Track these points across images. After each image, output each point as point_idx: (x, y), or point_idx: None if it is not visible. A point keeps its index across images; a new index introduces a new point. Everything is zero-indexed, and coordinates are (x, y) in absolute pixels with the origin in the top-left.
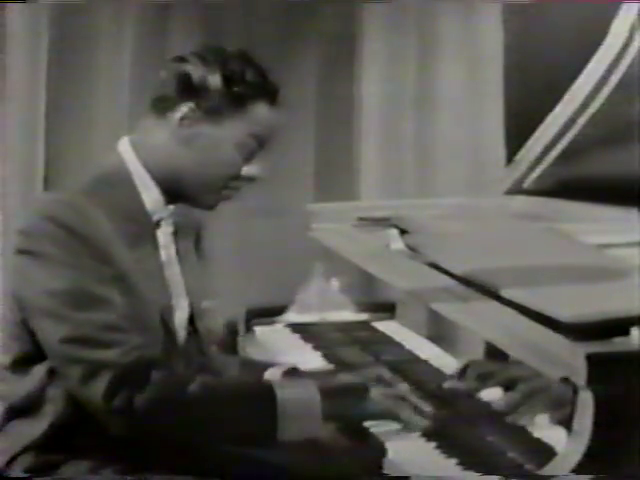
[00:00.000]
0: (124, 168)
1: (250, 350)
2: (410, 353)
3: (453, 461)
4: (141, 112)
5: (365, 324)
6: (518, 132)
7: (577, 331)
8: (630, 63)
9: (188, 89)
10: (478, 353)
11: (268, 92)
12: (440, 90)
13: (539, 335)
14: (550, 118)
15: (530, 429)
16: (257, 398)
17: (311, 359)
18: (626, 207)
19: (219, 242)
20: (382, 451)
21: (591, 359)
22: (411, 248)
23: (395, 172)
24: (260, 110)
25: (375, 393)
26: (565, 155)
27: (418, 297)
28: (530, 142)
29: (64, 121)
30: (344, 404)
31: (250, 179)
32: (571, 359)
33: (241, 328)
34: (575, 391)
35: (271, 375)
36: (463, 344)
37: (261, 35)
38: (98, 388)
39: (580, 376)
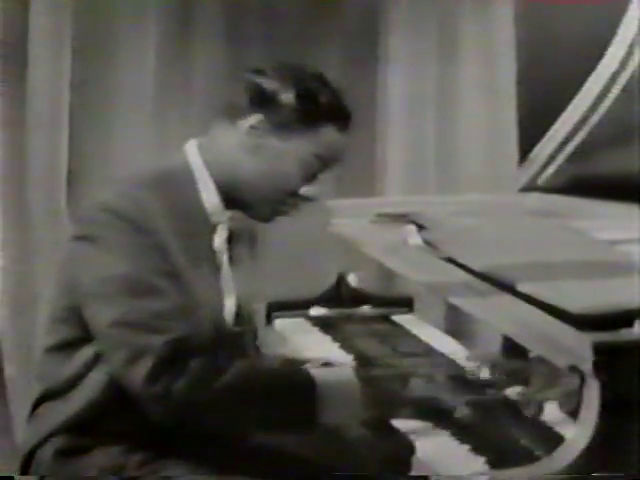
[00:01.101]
0: (188, 168)
1: (270, 341)
2: (426, 345)
3: (466, 447)
4: (167, 108)
5: (383, 318)
6: (532, 130)
7: (585, 322)
8: (638, 63)
9: (260, 100)
10: (495, 348)
11: (340, 117)
12: (459, 89)
13: (549, 326)
14: (562, 118)
15: (541, 417)
16: (296, 383)
17: (330, 350)
18: (635, 204)
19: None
20: (411, 449)
21: (597, 348)
22: (428, 243)
23: (416, 169)
24: (329, 133)
25: (415, 382)
26: (578, 153)
27: (435, 291)
28: (543, 140)
29: (88, 117)
30: (384, 391)
31: (308, 199)
32: (578, 348)
33: (261, 321)
34: (582, 379)
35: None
36: (480, 339)
37: (282, 33)
38: (140, 372)
39: (587, 364)
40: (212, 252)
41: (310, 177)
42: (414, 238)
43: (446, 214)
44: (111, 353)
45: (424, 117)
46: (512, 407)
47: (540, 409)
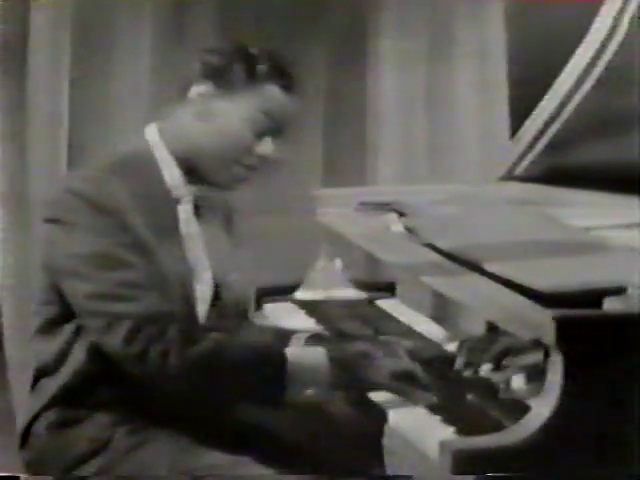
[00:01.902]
0: (148, 149)
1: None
2: (406, 326)
3: (438, 418)
4: (159, 100)
5: (366, 302)
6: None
7: (555, 301)
8: (611, 58)
9: (207, 72)
10: (479, 332)
11: (282, 77)
12: (450, 87)
13: (517, 304)
14: (538, 109)
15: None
16: (268, 359)
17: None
18: (610, 193)
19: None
20: (383, 418)
21: (558, 321)
22: (409, 230)
23: (406, 164)
24: (272, 90)
25: (384, 365)
26: (553, 144)
27: (410, 272)
28: (520, 132)
29: (86, 112)
30: (352, 373)
31: (263, 158)
32: (542, 322)
33: (251, 305)
34: (546, 352)
35: (297, 339)
36: (465, 324)
37: (274, 30)
38: (118, 336)
39: (550, 338)
40: (177, 224)
41: (259, 134)
42: (396, 225)
43: (427, 202)
44: (90, 323)
45: (415, 114)
46: (483, 382)
47: (508, 383)
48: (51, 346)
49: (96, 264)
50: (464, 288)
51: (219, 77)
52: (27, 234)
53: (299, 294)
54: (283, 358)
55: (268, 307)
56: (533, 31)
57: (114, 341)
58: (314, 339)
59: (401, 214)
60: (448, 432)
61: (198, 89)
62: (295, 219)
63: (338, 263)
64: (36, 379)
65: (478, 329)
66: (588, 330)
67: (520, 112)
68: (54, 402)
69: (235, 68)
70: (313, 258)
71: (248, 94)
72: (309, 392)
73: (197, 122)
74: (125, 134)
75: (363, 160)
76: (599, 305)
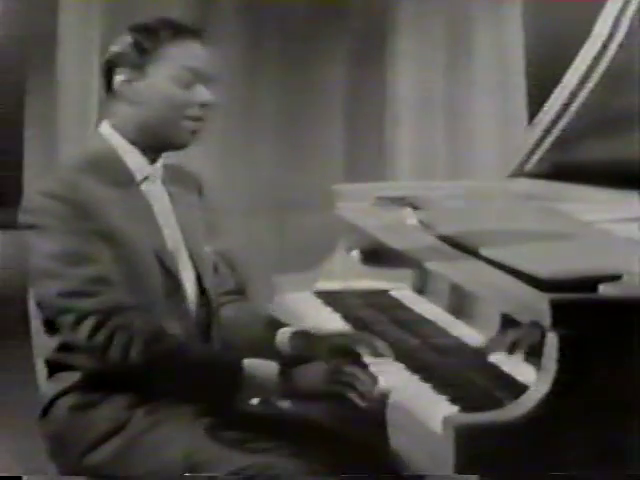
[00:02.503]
0: (106, 142)
1: (277, 313)
2: (419, 315)
3: (444, 397)
4: None
5: (382, 292)
6: None
7: (552, 286)
8: (613, 57)
9: (114, 61)
10: (494, 324)
11: (180, 33)
12: (467, 85)
13: (517, 289)
14: (545, 107)
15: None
16: (224, 367)
17: (330, 320)
18: (614, 189)
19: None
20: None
21: (554, 304)
22: (423, 223)
23: (424, 160)
24: (176, 49)
25: (327, 375)
26: (559, 141)
27: (422, 261)
28: (529, 128)
29: None
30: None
31: (202, 105)
32: (539, 305)
33: (272, 295)
34: (543, 334)
35: (282, 334)
36: (481, 317)
37: (296, 31)
38: (83, 331)
39: (546, 319)
40: (146, 202)
41: (188, 86)
42: (411, 219)
43: (441, 197)
44: (60, 321)
45: (432, 114)
46: (488, 365)
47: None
48: (53, 342)
49: (65, 262)
50: (470, 275)
51: (124, 63)
52: None
53: (318, 284)
54: (238, 367)
55: (288, 297)
56: (550, 31)
57: (80, 336)
58: (298, 335)
59: (416, 208)
60: (452, 410)
61: (119, 78)
62: (316, 212)
63: (355, 254)
64: (50, 370)
65: (495, 322)
66: (583, 313)
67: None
68: (73, 388)
69: (136, 47)
70: (332, 249)
71: (153, 63)
72: (255, 401)
73: (132, 107)
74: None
75: (381, 157)
76: (595, 291)
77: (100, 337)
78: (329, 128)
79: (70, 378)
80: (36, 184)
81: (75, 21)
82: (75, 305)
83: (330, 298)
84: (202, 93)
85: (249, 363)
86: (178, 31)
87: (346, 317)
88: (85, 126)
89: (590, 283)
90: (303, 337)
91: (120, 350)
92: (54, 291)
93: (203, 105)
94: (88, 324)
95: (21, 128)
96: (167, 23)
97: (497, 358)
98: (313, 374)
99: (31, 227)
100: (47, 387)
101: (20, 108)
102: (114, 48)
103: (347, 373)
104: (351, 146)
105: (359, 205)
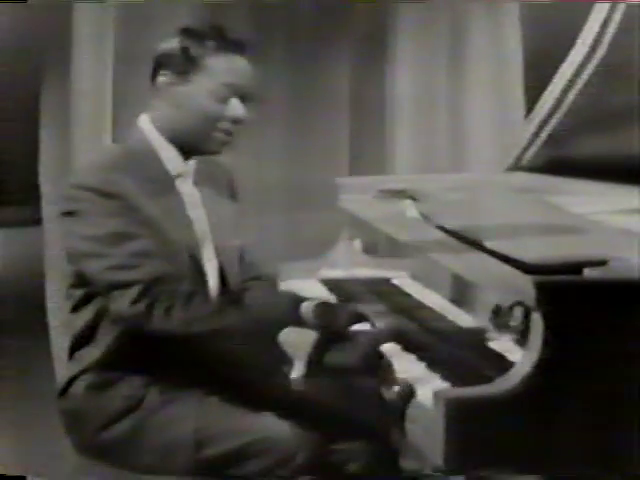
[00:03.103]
0: (144, 136)
1: None
2: (417, 301)
3: (437, 375)
4: None
5: (383, 279)
6: None
7: (539, 271)
8: (604, 54)
9: (161, 61)
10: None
11: (228, 45)
12: (466, 84)
13: (505, 273)
14: (539, 104)
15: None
16: (259, 342)
17: None
18: (607, 182)
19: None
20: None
21: (537, 285)
22: (422, 214)
23: (423, 158)
24: (218, 62)
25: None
26: (553, 137)
27: (422, 250)
28: (524, 124)
29: (129, 104)
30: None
31: (235, 121)
32: (525, 287)
33: (279, 283)
34: (528, 313)
35: (306, 306)
36: (479, 304)
37: (303, 34)
38: (127, 299)
39: (531, 300)
40: (180, 197)
41: (225, 101)
42: (411, 210)
43: (440, 190)
44: (107, 294)
45: (432, 112)
46: (481, 346)
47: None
48: (83, 321)
49: (108, 242)
50: (466, 263)
51: (173, 64)
52: None
53: (323, 272)
54: (274, 334)
55: (293, 283)
56: (547, 31)
57: (123, 304)
58: (322, 305)
59: (415, 200)
60: (444, 386)
61: (162, 79)
62: (321, 204)
63: (357, 244)
64: (72, 350)
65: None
66: (566, 294)
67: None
68: (91, 367)
69: (183, 52)
70: (336, 239)
71: (201, 72)
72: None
73: (171, 108)
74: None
75: (383, 153)
76: (579, 274)
77: (142, 305)
78: (335, 126)
79: (89, 357)
80: (74, 176)
81: (89, 24)
82: (119, 277)
83: (334, 285)
84: (236, 108)
85: (286, 332)
86: (225, 43)
87: (347, 301)
88: (99, 127)
89: (575, 267)
90: (326, 307)
91: (161, 316)
92: (99, 268)
93: (236, 120)
94: (131, 293)
95: (36, 129)
96: (216, 33)
97: (490, 339)
98: (350, 348)
99: (71, 214)
100: (67, 368)
101: (35, 109)
102: (163, 47)
103: (383, 356)
104: (356, 143)
105: (361, 197)
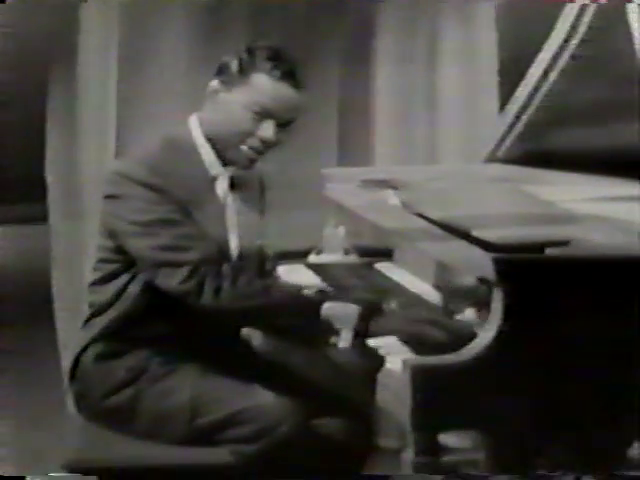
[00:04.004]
0: (189, 135)
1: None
2: (396, 283)
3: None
4: (196, 94)
5: (366, 264)
6: None
7: (501, 249)
8: (573, 52)
9: (218, 69)
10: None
11: (274, 68)
12: (444, 83)
13: (470, 252)
14: (513, 99)
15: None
16: (305, 305)
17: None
18: (579, 172)
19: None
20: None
21: (497, 262)
22: (403, 202)
23: (404, 148)
24: (262, 81)
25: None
26: (527, 131)
27: (402, 236)
28: (499, 118)
29: (132, 104)
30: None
31: (265, 141)
32: (486, 264)
33: (270, 266)
34: (490, 289)
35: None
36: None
37: (296, 30)
38: (176, 279)
39: (491, 275)
40: (216, 198)
41: (260, 120)
42: (393, 199)
43: (420, 180)
44: (154, 271)
45: (412, 107)
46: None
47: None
48: (106, 293)
49: (156, 225)
50: (440, 246)
51: (222, 74)
52: (78, 219)
53: (310, 258)
54: (317, 307)
55: (281, 269)
56: (524, 29)
57: (171, 282)
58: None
59: (397, 189)
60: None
61: (213, 84)
62: (309, 193)
63: (342, 230)
64: (87, 320)
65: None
66: (525, 270)
67: None
68: (101, 336)
69: (231, 64)
70: (322, 226)
71: (242, 85)
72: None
73: (213, 114)
74: (165, 124)
75: (368, 144)
76: (542, 252)
77: (191, 283)
78: (323, 123)
79: (100, 324)
80: (118, 163)
81: (95, 20)
82: (168, 257)
83: (319, 269)
84: (267, 130)
85: (329, 306)
86: (276, 68)
87: (333, 285)
88: (104, 124)
89: (538, 247)
90: (323, 296)
91: (211, 294)
92: (147, 247)
93: (264, 141)
94: (181, 272)
95: (43, 125)
96: (272, 55)
97: (457, 313)
98: (390, 318)
99: (113, 197)
100: (79, 336)
101: (42, 107)
102: (225, 57)
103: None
104: (343, 136)
105: (346, 187)
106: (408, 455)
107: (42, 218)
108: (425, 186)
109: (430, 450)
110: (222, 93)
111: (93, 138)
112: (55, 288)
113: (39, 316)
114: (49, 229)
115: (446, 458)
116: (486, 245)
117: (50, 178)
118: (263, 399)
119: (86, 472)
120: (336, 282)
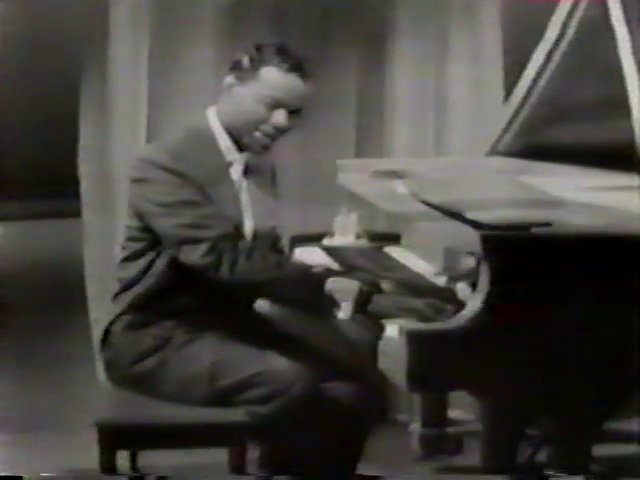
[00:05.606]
0: (208, 125)
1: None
2: (402, 265)
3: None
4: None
5: (376, 248)
6: None
7: (489, 228)
8: (565, 50)
9: (232, 66)
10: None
11: (281, 61)
12: (452, 84)
13: (463, 231)
14: (512, 96)
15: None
16: (310, 286)
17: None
18: (574, 165)
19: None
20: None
21: (484, 238)
22: (411, 191)
23: (415, 143)
24: (271, 73)
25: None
26: (525, 125)
27: (408, 220)
28: (497, 114)
29: (163, 96)
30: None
31: (277, 127)
32: (475, 240)
33: (287, 249)
34: (478, 262)
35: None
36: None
37: (315, 33)
38: (197, 253)
39: (479, 250)
40: (232, 182)
41: (272, 108)
42: (401, 188)
43: (427, 171)
44: (178, 247)
45: (424, 104)
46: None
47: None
48: (135, 269)
49: (179, 206)
50: (442, 229)
51: (235, 69)
52: (108, 210)
53: (324, 241)
54: (321, 281)
55: (298, 251)
56: (529, 30)
57: (193, 256)
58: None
59: (405, 179)
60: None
61: (228, 79)
62: (324, 181)
63: (354, 217)
64: (117, 294)
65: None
66: (508, 246)
67: None
68: (130, 308)
69: (243, 60)
70: (335, 212)
71: (256, 81)
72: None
73: (229, 106)
74: (191, 115)
75: (382, 137)
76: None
77: (211, 257)
78: (342, 118)
79: (129, 298)
80: (145, 150)
81: (126, 18)
82: (190, 234)
83: (332, 251)
84: (279, 117)
85: (332, 280)
86: (284, 62)
87: (343, 265)
88: (135, 119)
89: (524, 227)
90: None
91: (228, 267)
92: (172, 225)
93: (277, 127)
94: (202, 248)
95: (76, 120)
96: (279, 51)
97: (452, 286)
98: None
99: (141, 180)
100: (109, 309)
101: (75, 103)
102: (238, 55)
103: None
104: (359, 133)
105: (358, 177)
106: (416, 427)
107: (75, 213)
108: (430, 176)
109: (437, 422)
110: (236, 87)
111: (125, 131)
112: (87, 267)
113: (73, 300)
114: (82, 221)
115: (451, 429)
116: (477, 225)
117: (83, 168)
118: (276, 364)
119: (116, 431)
120: (346, 263)
